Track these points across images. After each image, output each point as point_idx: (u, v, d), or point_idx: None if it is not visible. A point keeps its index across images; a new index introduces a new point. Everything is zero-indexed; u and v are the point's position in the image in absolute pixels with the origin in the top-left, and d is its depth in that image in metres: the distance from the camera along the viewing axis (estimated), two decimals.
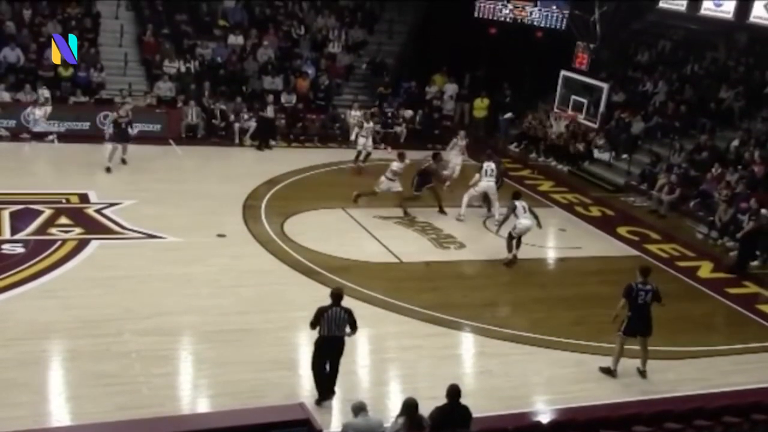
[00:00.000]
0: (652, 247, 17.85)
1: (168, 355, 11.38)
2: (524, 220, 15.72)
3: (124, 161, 19.52)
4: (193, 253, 14.87)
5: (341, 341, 10.38)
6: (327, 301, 12.82)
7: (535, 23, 24.49)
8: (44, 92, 21.79)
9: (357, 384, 11.23)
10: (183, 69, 24.22)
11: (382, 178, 18.10)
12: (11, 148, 20.69)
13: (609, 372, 11.99)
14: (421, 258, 15.95)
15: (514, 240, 15.84)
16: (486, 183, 18.09)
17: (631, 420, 9.55)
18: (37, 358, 10.95)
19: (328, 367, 10.44)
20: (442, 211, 18.32)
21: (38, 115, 21.16)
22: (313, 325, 10.31)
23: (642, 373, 12.08)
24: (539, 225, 16.03)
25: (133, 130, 19.87)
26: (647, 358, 12.09)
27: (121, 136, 19.32)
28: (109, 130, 19.83)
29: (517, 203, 15.89)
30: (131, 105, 20.72)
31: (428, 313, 13.37)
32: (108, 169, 19.01)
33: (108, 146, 19.48)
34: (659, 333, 13.49)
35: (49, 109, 21.37)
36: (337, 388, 11.00)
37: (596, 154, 23.63)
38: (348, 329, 10.39)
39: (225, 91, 23.99)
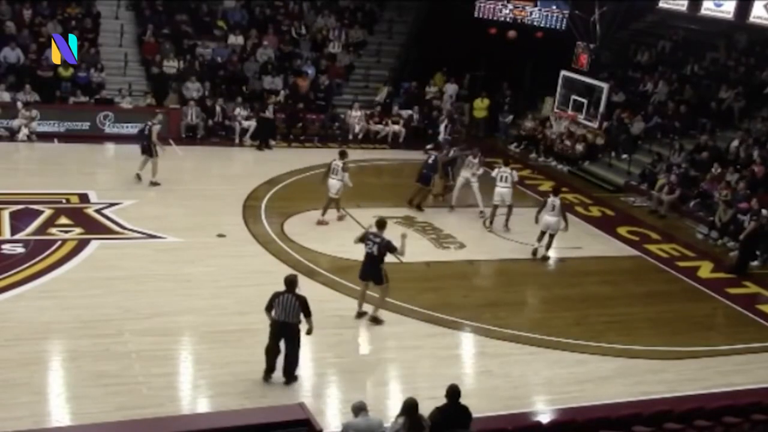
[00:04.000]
0: (652, 248, 17.86)
1: (168, 355, 11.38)
2: (548, 216, 16.20)
3: (140, 177, 18.56)
4: (193, 253, 14.87)
5: (291, 327, 10.61)
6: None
7: (535, 23, 24.49)
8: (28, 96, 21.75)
9: (357, 384, 11.23)
10: (182, 68, 24.26)
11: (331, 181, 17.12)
12: (11, 148, 20.69)
13: (361, 315, 12.82)
14: (421, 258, 15.93)
15: (545, 235, 16.39)
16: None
17: (631, 420, 9.56)
18: (37, 358, 10.95)
19: (283, 352, 10.74)
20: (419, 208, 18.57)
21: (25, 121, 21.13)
22: (267, 309, 10.67)
23: (368, 317, 12.81)
24: (566, 227, 16.37)
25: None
26: (378, 306, 12.83)
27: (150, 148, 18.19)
28: (148, 140, 18.17)
29: (549, 200, 16.31)
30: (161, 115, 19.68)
31: (428, 313, 13.37)
32: (156, 182, 18.32)
33: (155, 159, 18.23)
34: (659, 333, 13.57)
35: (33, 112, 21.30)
36: (337, 388, 11.10)
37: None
38: (302, 318, 10.63)
39: (225, 91, 24.04)
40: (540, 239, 16.42)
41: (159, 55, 24.38)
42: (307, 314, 10.68)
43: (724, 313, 15.11)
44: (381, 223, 12.77)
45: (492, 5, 25.05)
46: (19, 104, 21.30)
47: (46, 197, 16.86)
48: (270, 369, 10.84)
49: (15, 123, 21.07)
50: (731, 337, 13.83)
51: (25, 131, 20.99)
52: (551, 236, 16.32)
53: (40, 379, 10.51)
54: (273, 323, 10.69)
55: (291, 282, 10.71)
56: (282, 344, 10.73)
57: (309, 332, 10.81)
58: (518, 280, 15.61)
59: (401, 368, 11.84)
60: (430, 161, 18.77)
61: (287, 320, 10.59)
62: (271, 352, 10.77)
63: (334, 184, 17.08)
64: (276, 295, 10.64)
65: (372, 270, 12.72)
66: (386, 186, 19.04)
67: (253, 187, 18.93)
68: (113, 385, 10.34)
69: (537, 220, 16.47)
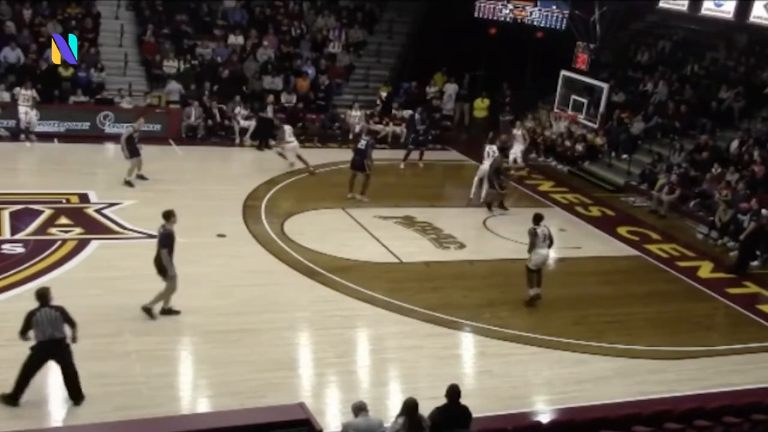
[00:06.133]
0: (652, 248, 17.85)
1: (168, 355, 11.38)
2: (541, 250, 13.91)
3: (143, 177, 18.65)
4: (193, 253, 14.81)
5: (60, 343, 9.75)
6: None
7: (535, 23, 24.46)
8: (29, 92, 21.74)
9: (357, 384, 11.24)
10: (182, 69, 24.26)
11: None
12: (11, 148, 20.69)
13: (170, 312, 12.31)
14: (421, 258, 15.95)
15: (534, 274, 14.06)
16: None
17: (631, 420, 9.56)
18: None
19: (61, 372, 9.90)
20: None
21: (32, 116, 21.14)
22: (23, 333, 9.71)
23: (149, 313, 12.25)
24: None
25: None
26: (157, 300, 12.24)
27: (136, 150, 18.32)
28: (126, 146, 18.28)
29: (538, 229, 13.88)
30: (143, 119, 19.87)
31: (428, 313, 13.36)
32: (130, 183, 18.33)
33: (133, 161, 18.37)
34: (659, 333, 13.56)
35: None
36: (337, 388, 11.07)
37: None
38: (67, 328, 9.81)
39: (225, 91, 24.04)
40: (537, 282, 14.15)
41: (159, 55, 24.39)
42: (72, 323, 9.81)
43: (724, 313, 15.10)
44: (166, 215, 12.28)
45: (492, 5, 25.03)
46: (17, 89, 21.26)
47: (46, 197, 16.85)
48: (23, 391, 9.76)
49: (20, 110, 20.93)
50: (731, 337, 13.82)
51: (31, 115, 20.80)
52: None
53: (40, 379, 10.47)
54: (39, 346, 9.63)
55: (43, 295, 9.81)
56: (56, 365, 9.86)
57: (74, 340, 9.88)
58: (518, 280, 15.52)
59: (401, 368, 11.83)
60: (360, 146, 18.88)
61: (54, 335, 9.64)
62: (29, 376, 9.76)
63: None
64: (31, 314, 9.65)
65: (156, 262, 12.27)
66: (387, 186, 19.04)
67: (253, 187, 18.94)
68: (113, 385, 10.33)
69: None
